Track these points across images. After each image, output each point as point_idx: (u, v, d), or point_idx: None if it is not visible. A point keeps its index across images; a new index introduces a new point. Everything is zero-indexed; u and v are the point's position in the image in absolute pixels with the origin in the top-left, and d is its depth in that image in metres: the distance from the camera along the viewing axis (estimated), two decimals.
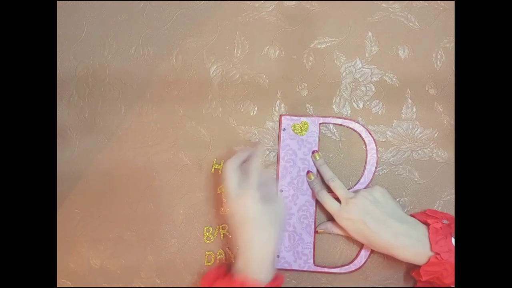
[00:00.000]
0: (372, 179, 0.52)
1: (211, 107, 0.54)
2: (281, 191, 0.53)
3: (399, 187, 0.53)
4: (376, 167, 0.53)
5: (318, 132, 0.53)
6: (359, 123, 0.53)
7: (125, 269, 0.54)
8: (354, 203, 0.46)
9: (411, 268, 0.47)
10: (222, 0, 0.55)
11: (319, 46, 0.54)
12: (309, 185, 0.52)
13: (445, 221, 0.46)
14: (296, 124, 0.53)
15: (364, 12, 0.54)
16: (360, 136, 0.53)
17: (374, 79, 0.53)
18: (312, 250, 0.52)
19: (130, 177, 0.55)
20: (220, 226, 0.54)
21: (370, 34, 0.54)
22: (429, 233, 0.44)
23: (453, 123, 0.52)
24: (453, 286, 0.43)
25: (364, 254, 0.52)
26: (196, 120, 0.54)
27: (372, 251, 0.52)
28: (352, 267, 0.52)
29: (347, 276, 0.52)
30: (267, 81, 0.54)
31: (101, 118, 0.55)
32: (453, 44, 0.53)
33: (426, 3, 0.53)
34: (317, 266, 0.52)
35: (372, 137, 0.53)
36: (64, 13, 0.56)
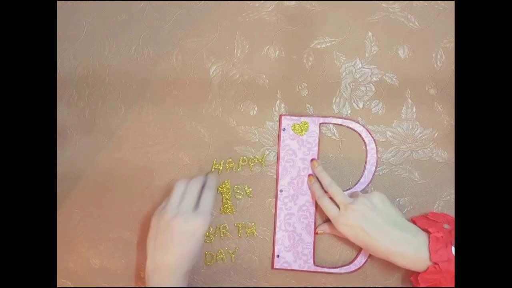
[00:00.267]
0: (372, 179, 0.52)
1: (211, 107, 0.54)
2: (281, 191, 0.53)
3: (399, 187, 0.53)
4: (376, 167, 0.53)
5: (318, 132, 0.53)
6: (359, 123, 0.53)
7: (125, 269, 0.54)
8: (353, 209, 0.46)
9: (411, 271, 0.47)
10: (222, 0, 0.55)
11: (319, 46, 0.54)
12: (309, 188, 0.52)
13: (446, 226, 0.46)
14: (296, 124, 0.53)
15: (364, 12, 0.54)
16: (360, 136, 0.53)
17: (374, 79, 0.53)
18: (312, 250, 0.52)
19: (130, 177, 0.55)
20: (220, 226, 0.54)
21: (370, 34, 0.54)
22: (429, 242, 0.44)
23: (453, 123, 0.52)
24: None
25: (364, 254, 0.52)
26: (196, 120, 0.54)
27: None
28: (352, 267, 0.52)
29: (347, 276, 0.52)
30: (267, 81, 0.54)
31: (101, 118, 0.55)
32: (453, 44, 0.53)
33: (426, 3, 0.53)
34: (317, 266, 0.52)
35: (372, 137, 0.53)
36: (64, 13, 0.56)
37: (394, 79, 0.53)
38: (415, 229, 0.46)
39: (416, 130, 0.53)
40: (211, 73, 0.54)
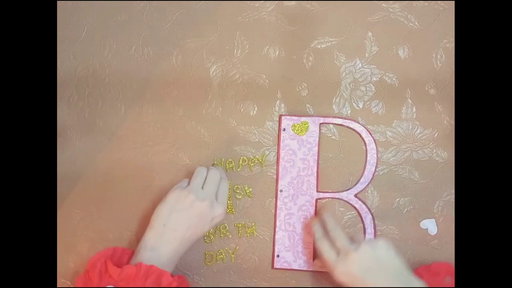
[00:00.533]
0: (372, 179, 0.52)
1: (211, 107, 0.54)
2: (281, 191, 0.53)
3: (399, 187, 0.53)
4: (376, 167, 0.53)
5: (318, 132, 0.53)
6: (359, 123, 0.53)
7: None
8: (355, 258, 0.42)
9: (412, 269, 0.47)
10: (222, 0, 0.55)
11: (319, 46, 0.54)
12: (311, 228, 0.50)
13: (447, 279, 0.45)
14: (296, 124, 0.53)
15: (364, 12, 0.54)
16: (360, 136, 0.53)
17: (374, 79, 0.53)
18: (312, 250, 0.52)
19: (130, 177, 0.54)
20: (220, 226, 0.54)
21: (370, 34, 0.54)
22: None
23: (453, 123, 0.52)
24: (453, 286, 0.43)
25: None
26: (196, 120, 0.54)
27: None
28: None
29: None
30: (267, 81, 0.54)
31: (101, 118, 0.55)
32: (453, 44, 0.53)
33: (426, 3, 0.53)
34: None
35: (372, 137, 0.53)
36: (64, 13, 0.56)
37: (394, 79, 0.53)
38: (419, 284, 0.42)
39: (416, 130, 0.53)
40: (211, 73, 0.54)
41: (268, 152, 0.54)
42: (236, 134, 0.54)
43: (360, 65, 0.54)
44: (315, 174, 0.53)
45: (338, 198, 0.53)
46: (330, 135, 0.53)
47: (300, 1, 0.54)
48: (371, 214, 0.52)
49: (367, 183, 0.52)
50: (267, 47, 0.54)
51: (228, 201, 0.53)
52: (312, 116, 0.53)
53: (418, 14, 0.53)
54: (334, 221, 0.48)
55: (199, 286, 0.54)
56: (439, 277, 0.46)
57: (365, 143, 0.53)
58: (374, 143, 0.53)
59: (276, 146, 0.53)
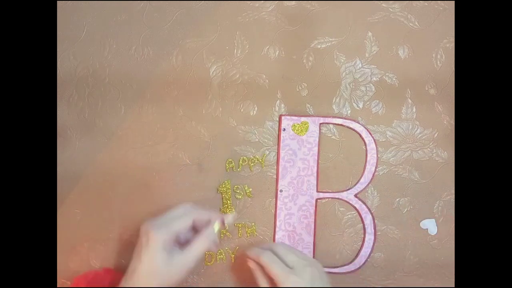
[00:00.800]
0: (372, 179, 0.53)
1: (211, 107, 0.54)
2: (281, 191, 0.53)
3: (399, 187, 0.53)
4: (376, 167, 0.53)
5: (318, 132, 0.53)
6: (359, 123, 0.53)
7: (125, 269, 0.54)
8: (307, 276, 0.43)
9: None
10: (222, 0, 0.55)
11: (319, 46, 0.54)
12: (253, 263, 0.48)
13: None
14: (296, 124, 0.53)
15: (364, 12, 0.54)
16: (360, 136, 0.53)
17: (374, 79, 0.53)
18: (312, 250, 0.52)
19: (130, 177, 0.54)
20: None
21: (370, 34, 0.54)
22: None
23: (453, 123, 0.52)
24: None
25: (364, 254, 0.52)
26: (196, 120, 0.54)
27: (372, 251, 0.52)
28: (352, 267, 0.52)
29: (347, 276, 0.52)
30: (267, 81, 0.54)
31: (101, 118, 0.55)
32: (453, 44, 0.53)
33: (426, 3, 0.53)
34: None
35: (372, 137, 0.53)
36: (64, 13, 0.56)
37: (394, 79, 0.53)
38: None
39: (416, 130, 0.53)
40: (211, 73, 0.54)
41: (268, 152, 0.54)
42: (236, 134, 0.54)
43: (360, 65, 0.54)
44: (315, 174, 0.53)
45: (338, 198, 0.53)
46: (330, 135, 0.53)
47: (300, 1, 0.54)
48: (371, 214, 0.52)
49: (367, 183, 0.52)
50: (267, 47, 0.54)
51: (228, 201, 0.53)
52: (312, 116, 0.53)
53: (418, 14, 0.53)
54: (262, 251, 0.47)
55: (199, 286, 0.54)
56: None
57: (365, 143, 0.53)
58: (374, 143, 0.53)
59: (276, 146, 0.53)
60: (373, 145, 0.53)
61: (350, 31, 0.54)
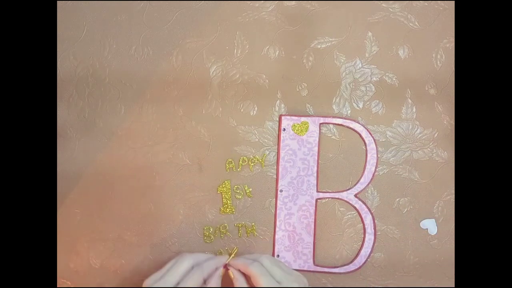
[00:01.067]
0: (372, 179, 0.52)
1: (211, 107, 0.54)
2: (281, 191, 0.53)
3: (399, 187, 0.53)
4: (376, 167, 0.53)
5: (318, 132, 0.53)
6: (359, 123, 0.53)
7: (125, 269, 0.54)
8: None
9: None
10: (222, 0, 0.55)
11: (319, 46, 0.54)
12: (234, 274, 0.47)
13: None
14: (296, 124, 0.53)
15: (364, 12, 0.54)
16: (360, 136, 0.53)
17: (374, 79, 0.53)
18: (312, 250, 0.52)
19: (130, 177, 0.55)
20: (220, 226, 0.54)
21: (370, 34, 0.54)
22: None
23: (453, 123, 0.52)
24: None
25: (364, 254, 0.52)
26: (196, 120, 0.54)
27: (372, 251, 0.52)
28: (352, 267, 0.52)
29: (347, 276, 0.52)
30: (267, 81, 0.54)
31: (101, 118, 0.55)
32: (453, 44, 0.53)
33: (426, 3, 0.53)
34: (317, 266, 0.52)
35: (372, 137, 0.53)
36: (64, 13, 0.56)
37: (394, 79, 0.53)
38: None
39: (416, 130, 0.53)
40: (211, 73, 0.54)
41: (268, 152, 0.54)
42: (236, 134, 0.54)
43: (360, 65, 0.54)
44: (315, 174, 0.53)
45: (338, 198, 0.53)
46: (330, 135, 0.53)
47: (300, 1, 0.54)
48: (371, 214, 0.52)
49: (367, 183, 0.52)
50: (267, 47, 0.54)
51: (228, 201, 0.53)
52: (312, 116, 0.53)
53: (418, 14, 0.53)
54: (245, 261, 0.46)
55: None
56: None
57: (365, 143, 0.53)
58: (374, 143, 0.53)
59: (276, 146, 0.54)
60: (373, 145, 0.53)
61: (350, 31, 0.54)
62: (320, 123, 0.53)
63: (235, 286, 0.45)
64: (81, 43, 0.56)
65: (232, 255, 0.46)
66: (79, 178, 0.55)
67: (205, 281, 0.45)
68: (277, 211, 0.53)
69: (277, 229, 0.53)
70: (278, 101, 0.54)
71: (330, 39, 0.54)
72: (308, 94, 0.54)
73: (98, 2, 0.56)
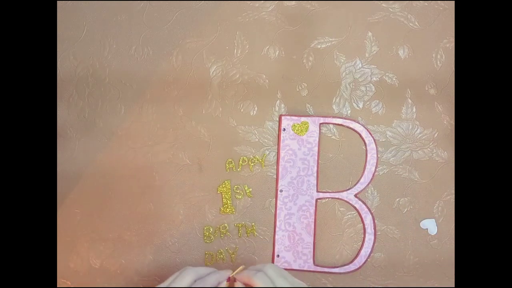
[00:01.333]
0: (372, 179, 0.52)
1: (211, 107, 0.54)
2: (281, 191, 0.53)
3: (399, 187, 0.53)
4: (376, 167, 0.53)
5: (318, 132, 0.53)
6: (359, 123, 0.53)
7: (125, 269, 0.54)
8: None
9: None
10: (222, 0, 0.55)
11: (319, 46, 0.54)
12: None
13: None
14: (296, 124, 0.53)
15: (364, 12, 0.54)
16: (360, 136, 0.53)
17: (374, 79, 0.53)
18: (312, 250, 0.52)
19: (130, 177, 0.55)
20: (220, 226, 0.54)
21: (370, 34, 0.54)
22: None
23: (453, 123, 0.52)
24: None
25: (364, 254, 0.52)
26: (196, 120, 0.54)
27: (372, 251, 0.52)
28: (352, 267, 0.52)
29: (347, 276, 0.52)
30: (267, 81, 0.54)
31: (101, 118, 0.55)
32: (453, 44, 0.53)
33: (426, 3, 0.53)
34: (317, 266, 0.52)
35: (372, 137, 0.53)
36: (64, 13, 0.56)
37: (394, 79, 0.53)
38: None
39: (416, 130, 0.53)
40: (211, 73, 0.54)
41: (268, 152, 0.54)
42: (236, 134, 0.54)
43: (360, 65, 0.54)
44: (315, 174, 0.53)
45: (338, 198, 0.53)
46: (330, 135, 0.53)
47: (300, 1, 0.54)
48: (371, 214, 0.52)
49: (367, 183, 0.52)
50: (267, 47, 0.54)
51: (228, 201, 0.53)
52: (312, 116, 0.53)
53: (418, 14, 0.53)
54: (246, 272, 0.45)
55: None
56: None
57: (365, 143, 0.53)
58: (374, 143, 0.53)
59: (276, 146, 0.54)
60: (373, 145, 0.53)
61: (350, 31, 0.54)
62: (320, 123, 0.53)
63: None
64: (81, 43, 0.56)
65: (237, 271, 0.45)
66: (79, 178, 0.55)
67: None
68: (277, 211, 0.53)
69: (277, 229, 0.53)
70: (278, 101, 0.54)
71: (330, 39, 0.54)
72: (308, 94, 0.54)
73: (98, 2, 0.56)
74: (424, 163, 0.53)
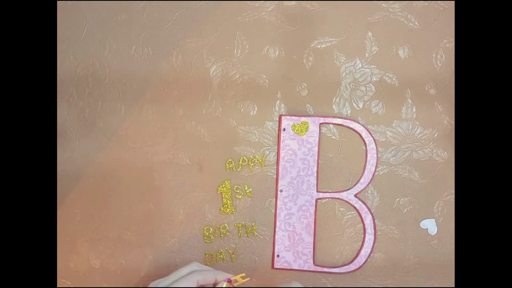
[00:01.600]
0: (372, 179, 0.52)
1: (211, 107, 0.54)
2: (281, 191, 0.53)
3: (399, 187, 0.53)
4: (376, 167, 0.53)
5: (318, 132, 0.53)
6: (359, 123, 0.53)
7: (125, 269, 0.54)
8: None
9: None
10: (222, 0, 0.55)
11: (319, 46, 0.54)
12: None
13: None
14: (296, 124, 0.53)
15: (364, 12, 0.54)
16: (360, 136, 0.53)
17: (374, 79, 0.53)
18: (312, 250, 0.52)
19: (130, 177, 0.55)
20: (220, 226, 0.54)
21: (370, 34, 0.54)
22: None
23: (453, 123, 0.52)
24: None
25: (364, 254, 0.52)
26: (196, 120, 0.54)
27: (372, 251, 0.52)
28: (352, 267, 0.52)
29: (347, 276, 0.52)
30: (267, 81, 0.54)
31: (101, 118, 0.55)
32: (453, 44, 0.53)
33: (426, 3, 0.53)
34: (317, 266, 0.52)
35: (372, 137, 0.53)
36: (64, 13, 0.56)
37: (394, 79, 0.53)
38: None
39: (416, 130, 0.53)
40: (211, 73, 0.54)
41: (268, 152, 0.54)
42: (236, 134, 0.54)
43: (360, 65, 0.54)
44: (315, 174, 0.53)
45: (338, 198, 0.53)
46: (330, 135, 0.53)
47: (300, 1, 0.54)
48: (371, 214, 0.52)
49: (367, 183, 0.52)
50: (267, 47, 0.54)
51: (228, 201, 0.53)
52: (312, 116, 0.53)
53: (418, 14, 0.53)
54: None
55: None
56: None
57: (365, 143, 0.53)
58: (374, 143, 0.53)
59: (276, 146, 0.54)
60: (373, 145, 0.53)
61: (350, 31, 0.54)
62: (320, 123, 0.53)
63: None
64: (81, 43, 0.56)
65: (240, 276, 0.45)
66: (79, 178, 0.55)
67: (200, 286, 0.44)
68: (277, 211, 0.53)
69: (277, 229, 0.53)
70: (278, 101, 0.54)
71: (330, 39, 0.54)
72: (308, 94, 0.54)
73: (98, 2, 0.56)
74: (424, 163, 0.53)
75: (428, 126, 0.53)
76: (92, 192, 0.55)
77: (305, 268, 0.52)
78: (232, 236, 0.54)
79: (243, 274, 0.44)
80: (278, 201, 0.53)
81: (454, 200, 0.52)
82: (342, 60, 0.54)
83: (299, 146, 0.53)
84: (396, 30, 0.53)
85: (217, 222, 0.54)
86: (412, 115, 0.53)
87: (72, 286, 0.55)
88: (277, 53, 0.54)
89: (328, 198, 0.53)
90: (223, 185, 0.54)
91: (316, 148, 0.53)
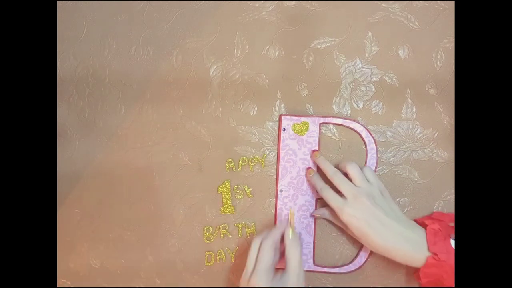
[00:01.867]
0: None
1: (211, 107, 0.54)
2: (281, 191, 0.53)
3: (399, 187, 0.53)
4: (376, 167, 0.53)
5: (318, 132, 0.53)
6: (359, 123, 0.53)
7: (125, 269, 0.54)
8: (362, 201, 0.45)
9: (412, 269, 0.47)
10: (222, 0, 0.55)
11: (319, 46, 0.54)
12: (309, 182, 0.52)
13: (451, 225, 0.46)
14: (296, 124, 0.53)
15: (364, 12, 0.54)
16: (360, 136, 0.53)
17: (374, 79, 0.53)
18: (312, 250, 0.52)
19: (130, 177, 0.55)
20: (220, 226, 0.54)
21: (370, 34, 0.54)
22: (426, 235, 0.44)
23: (453, 123, 0.52)
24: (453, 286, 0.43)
25: (364, 254, 0.52)
26: (196, 120, 0.54)
27: (372, 251, 0.52)
28: (352, 267, 0.52)
29: (347, 276, 0.52)
30: (267, 81, 0.54)
31: (101, 118, 0.55)
32: (453, 44, 0.53)
33: (426, 3, 0.53)
34: (317, 266, 0.52)
35: (372, 137, 0.53)
36: (64, 13, 0.56)
37: (394, 79, 0.53)
38: (413, 224, 0.46)
39: (416, 130, 0.53)
40: (211, 73, 0.54)
41: (268, 152, 0.54)
42: (236, 134, 0.54)
43: (360, 65, 0.54)
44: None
45: None
46: (330, 135, 0.53)
47: (300, 1, 0.54)
48: None
49: None
50: (267, 47, 0.54)
51: (228, 201, 0.53)
52: (312, 116, 0.53)
53: (418, 14, 0.53)
54: (332, 166, 0.50)
55: (199, 286, 0.54)
56: (443, 222, 0.46)
57: (365, 143, 0.53)
58: (374, 143, 0.53)
59: (276, 146, 0.54)
60: (373, 145, 0.53)
61: (350, 31, 0.54)
62: (320, 123, 0.53)
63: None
64: (81, 43, 0.56)
65: (290, 213, 0.49)
66: (79, 178, 0.55)
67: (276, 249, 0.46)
68: (277, 211, 0.53)
69: None
70: (278, 101, 0.54)
71: (330, 39, 0.54)
72: (308, 94, 0.54)
73: (98, 2, 0.56)
74: (424, 163, 0.53)
75: (428, 126, 0.53)
76: (92, 192, 0.55)
77: (305, 268, 0.52)
78: (232, 236, 0.54)
79: (291, 211, 0.50)
80: (278, 201, 0.53)
81: (454, 200, 0.52)
82: (342, 60, 0.54)
83: (299, 146, 0.53)
84: (396, 30, 0.53)
85: (217, 222, 0.54)
86: (412, 115, 0.53)
87: (72, 286, 0.55)
88: (277, 53, 0.54)
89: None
90: (223, 185, 0.54)
91: (316, 148, 0.53)
